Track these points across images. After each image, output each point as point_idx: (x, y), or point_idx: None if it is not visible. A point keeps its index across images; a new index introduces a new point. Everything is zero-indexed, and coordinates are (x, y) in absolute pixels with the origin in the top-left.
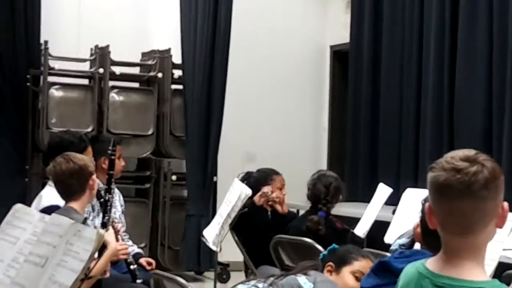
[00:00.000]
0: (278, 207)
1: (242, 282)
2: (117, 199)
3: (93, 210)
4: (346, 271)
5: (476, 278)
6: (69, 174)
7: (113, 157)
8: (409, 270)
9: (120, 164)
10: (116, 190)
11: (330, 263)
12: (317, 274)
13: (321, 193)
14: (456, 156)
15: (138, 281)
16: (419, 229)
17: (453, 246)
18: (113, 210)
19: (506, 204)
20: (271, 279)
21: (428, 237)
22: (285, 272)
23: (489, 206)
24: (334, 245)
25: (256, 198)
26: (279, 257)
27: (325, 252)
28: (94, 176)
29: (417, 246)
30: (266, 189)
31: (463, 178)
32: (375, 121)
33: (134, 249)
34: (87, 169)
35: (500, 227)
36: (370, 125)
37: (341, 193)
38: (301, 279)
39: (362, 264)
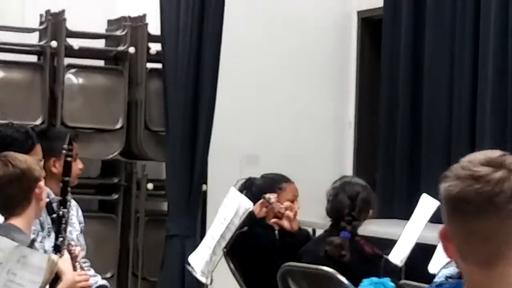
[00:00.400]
0: (285, 223)
1: None
2: (74, 215)
3: (42, 228)
4: None
5: None
6: (7, 181)
7: (68, 158)
8: None
9: (77, 167)
10: (73, 203)
11: None
12: None
13: (344, 206)
14: (475, 159)
15: None
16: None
17: (478, 284)
18: (69, 229)
19: None
20: None
21: None
22: None
23: None
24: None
25: (255, 208)
26: None
27: None
28: (42, 183)
29: None
30: (269, 195)
31: (484, 189)
32: (417, 112)
33: (98, 280)
34: (32, 174)
35: None
36: (410, 118)
37: (371, 207)
38: None
39: None
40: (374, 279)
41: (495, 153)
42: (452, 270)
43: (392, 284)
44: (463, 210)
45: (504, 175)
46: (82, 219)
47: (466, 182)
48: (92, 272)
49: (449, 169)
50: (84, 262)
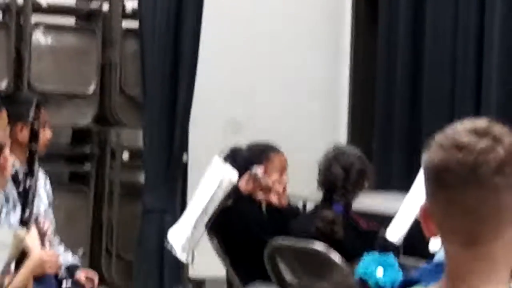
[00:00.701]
0: (273, 198)
1: None
2: (42, 186)
3: (7, 201)
4: None
5: None
6: None
7: (35, 124)
8: None
9: (45, 135)
10: (41, 174)
11: None
12: None
13: (338, 178)
14: (460, 128)
15: None
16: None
17: (459, 264)
18: (36, 201)
19: None
20: None
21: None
22: None
23: (505, 200)
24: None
25: (241, 183)
26: (277, 270)
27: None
28: (6, 152)
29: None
30: (256, 169)
31: (466, 158)
32: (417, 77)
33: (68, 258)
34: None
35: None
36: (409, 82)
37: (366, 179)
38: None
39: None
40: (376, 255)
41: (481, 121)
42: None
43: (395, 261)
44: (445, 181)
45: (489, 144)
46: (50, 191)
47: (449, 152)
48: (62, 249)
49: (433, 138)
50: (53, 238)
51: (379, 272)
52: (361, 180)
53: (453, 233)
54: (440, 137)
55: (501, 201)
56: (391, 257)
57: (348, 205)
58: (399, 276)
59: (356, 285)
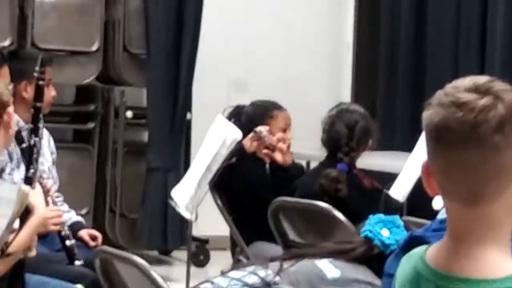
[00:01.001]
0: (277, 156)
1: (224, 274)
2: (46, 144)
3: (11, 159)
4: None
5: (501, 273)
6: None
7: (40, 81)
8: (405, 265)
9: (49, 93)
10: (45, 131)
11: None
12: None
13: (342, 136)
14: (460, 85)
15: (77, 262)
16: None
17: (460, 223)
18: (40, 159)
19: None
20: (275, 264)
21: None
22: (297, 251)
23: (505, 159)
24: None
25: (246, 142)
26: (280, 229)
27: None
28: (10, 109)
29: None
30: (260, 128)
31: (466, 117)
32: (421, 33)
33: (72, 216)
34: None
35: None
36: (413, 39)
37: (370, 137)
38: (323, 263)
39: None
40: (382, 216)
41: (482, 79)
42: None
43: (401, 222)
44: (445, 140)
45: (489, 102)
46: (54, 149)
47: (449, 110)
48: (65, 207)
49: (433, 96)
50: (57, 197)
51: (385, 233)
52: (365, 138)
53: (454, 192)
54: (440, 95)
55: (501, 160)
56: (396, 218)
57: (352, 163)
58: (404, 236)
59: (361, 244)
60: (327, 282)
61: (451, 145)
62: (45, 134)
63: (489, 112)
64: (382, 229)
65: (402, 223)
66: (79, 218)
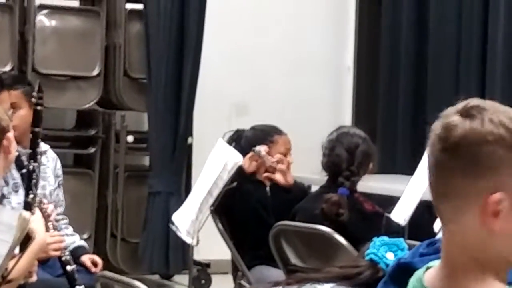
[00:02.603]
0: (278, 177)
1: None
2: (51, 168)
3: (7, 183)
4: None
5: None
6: None
7: (39, 107)
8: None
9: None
10: (52, 154)
11: None
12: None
13: (342, 160)
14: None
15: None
16: None
17: (443, 245)
18: (42, 183)
19: (496, 196)
20: None
21: None
22: (301, 276)
23: (458, 184)
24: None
25: (244, 162)
26: (281, 253)
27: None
28: (10, 134)
29: None
30: (259, 148)
31: (437, 133)
32: (422, 57)
33: (75, 240)
34: None
35: (487, 228)
36: (414, 62)
37: (371, 161)
38: None
39: None
40: (386, 238)
41: (478, 101)
42: None
43: (405, 244)
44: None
45: (457, 122)
46: (60, 172)
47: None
48: (70, 230)
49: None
50: (62, 219)
51: (390, 256)
52: (366, 162)
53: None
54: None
55: (454, 184)
56: (401, 241)
57: (352, 187)
58: None
59: (366, 268)
60: None
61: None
62: (51, 157)
63: (451, 132)
64: (387, 253)
65: (406, 246)
66: (83, 243)
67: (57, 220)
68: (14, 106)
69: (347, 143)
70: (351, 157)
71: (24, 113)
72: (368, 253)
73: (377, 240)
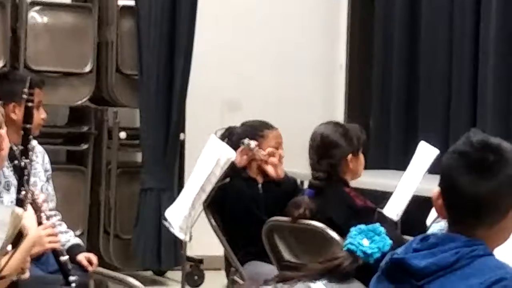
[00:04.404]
0: (269, 169)
1: None
2: (40, 162)
3: None
4: None
5: None
6: None
7: (29, 103)
8: None
9: (39, 116)
10: (39, 148)
11: None
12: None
13: (314, 162)
14: None
15: (71, 278)
16: (440, 201)
17: None
18: (33, 179)
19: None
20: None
21: (455, 210)
22: (288, 275)
23: None
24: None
25: (236, 157)
26: (274, 249)
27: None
28: (2, 131)
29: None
30: (247, 140)
31: None
32: (414, 53)
33: (70, 238)
34: None
35: None
36: (406, 59)
37: (338, 148)
38: (318, 286)
39: None
40: (362, 226)
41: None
42: (444, 225)
43: (382, 229)
44: None
45: None
46: (48, 166)
47: None
48: (64, 227)
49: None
50: (55, 215)
51: (365, 242)
52: (328, 154)
53: None
54: None
55: None
56: (377, 226)
57: (321, 185)
58: (387, 242)
59: (345, 258)
60: None
61: None
62: (39, 151)
63: None
64: (363, 240)
65: (383, 230)
66: (78, 241)
67: (49, 217)
68: (38, 105)
69: (313, 144)
70: (317, 155)
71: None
72: (346, 244)
73: (353, 230)
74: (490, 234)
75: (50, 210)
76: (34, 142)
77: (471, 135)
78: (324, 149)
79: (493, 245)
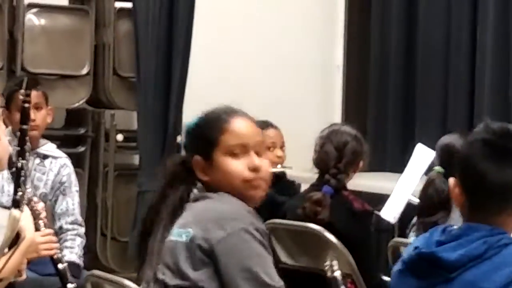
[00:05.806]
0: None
1: None
2: (54, 173)
3: None
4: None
5: None
6: None
7: (26, 104)
8: None
9: (40, 117)
10: (62, 161)
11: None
12: None
13: (330, 158)
14: None
15: (70, 286)
16: (457, 190)
17: None
18: (36, 183)
19: None
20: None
21: (479, 198)
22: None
23: None
24: None
25: None
26: (272, 252)
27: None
28: (1, 133)
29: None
30: None
31: None
32: (411, 54)
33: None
34: None
35: None
36: (403, 60)
37: (361, 159)
38: None
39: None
40: None
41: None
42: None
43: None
44: None
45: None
46: (64, 179)
47: None
48: (70, 243)
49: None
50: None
51: None
52: (355, 160)
53: None
54: None
55: None
56: None
57: (339, 186)
58: None
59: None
60: None
61: None
62: (59, 163)
63: None
64: None
65: None
66: (75, 259)
67: (65, 230)
68: (36, 107)
69: (336, 140)
70: (340, 155)
71: (45, 113)
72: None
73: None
74: (508, 221)
75: (66, 223)
76: (57, 153)
77: (488, 123)
78: (356, 156)
79: (509, 232)
